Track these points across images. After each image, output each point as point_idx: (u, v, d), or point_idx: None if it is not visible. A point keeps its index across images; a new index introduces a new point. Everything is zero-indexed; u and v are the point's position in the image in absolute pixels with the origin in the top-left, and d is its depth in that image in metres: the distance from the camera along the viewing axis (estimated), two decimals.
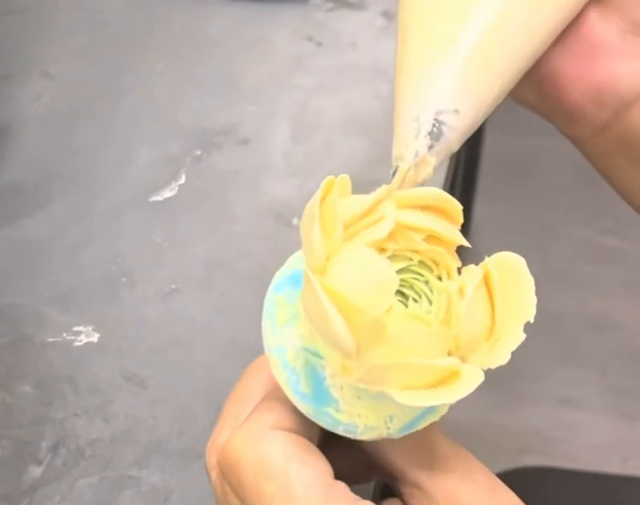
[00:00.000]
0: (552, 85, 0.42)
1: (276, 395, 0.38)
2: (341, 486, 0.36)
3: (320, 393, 0.37)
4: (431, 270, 0.37)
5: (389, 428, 0.37)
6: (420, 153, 0.38)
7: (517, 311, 0.36)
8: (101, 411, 0.54)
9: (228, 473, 0.37)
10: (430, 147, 0.38)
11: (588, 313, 1.70)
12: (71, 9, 0.77)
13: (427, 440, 0.38)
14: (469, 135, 0.40)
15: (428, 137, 0.38)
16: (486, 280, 0.36)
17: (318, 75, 0.73)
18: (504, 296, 0.36)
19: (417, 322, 0.35)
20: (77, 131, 0.69)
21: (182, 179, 0.66)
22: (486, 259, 0.37)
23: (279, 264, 0.60)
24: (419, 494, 0.37)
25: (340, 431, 0.37)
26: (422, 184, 0.39)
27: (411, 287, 0.37)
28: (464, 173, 1.68)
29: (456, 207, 0.37)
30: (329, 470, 0.37)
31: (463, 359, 0.36)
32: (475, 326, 0.36)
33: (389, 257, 0.36)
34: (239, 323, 0.58)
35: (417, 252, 0.37)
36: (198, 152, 0.68)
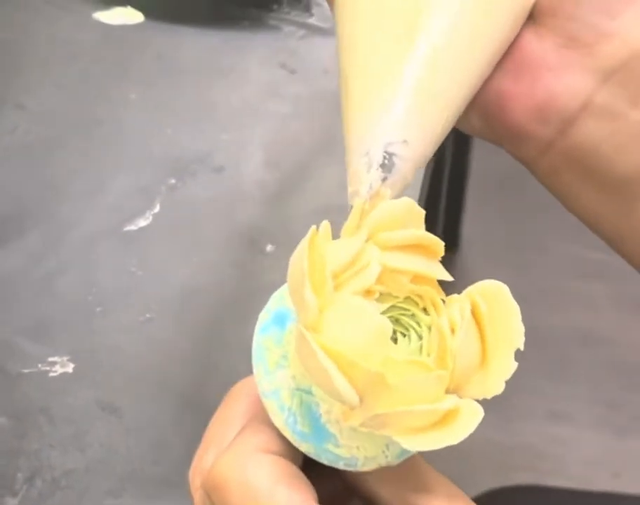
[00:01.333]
0: (495, 108, 0.42)
1: (262, 418, 0.38)
2: None
3: (318, 430, 0.37)
4: (416, 303, 0.37)
5: (387, 457, 0.37)
6: (373, 186, 0.38)
7: (506, 339, 0.36)
8: (76, 441, 0.55)
9: (214, 496, 0.37)
10: (384, 179, 0.39)
11: (577, 328, 1.70)
12: (45, 41, 0.77)
13: (409, 468, 0.38)
14: (421, 166, 0.40)
15: (380, 169, 0.39)
16: (474, 311, 0.36)
17: (291, 102, 0.73)
18: (492, 325, 0.36)
19: (416, 368, 0.35)
20: (51, 162, 0.69)
21: (157, 208, 0.66)
22: (469, 288, 0.37)
23: (254, 291, 0.61)
24: None
25: (341, 465, 0.37)
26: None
27: (398, 322, 0.37)
28: (452, 190, 1.69)
29: (437, 242, 0.37)
30: (314, 496, 0.37)
31: (457, 390, 0.36)
32: (469, 359, 0.36)
33: (376, 299, 0.36)
34: (214, 351, 0.59)
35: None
36: (173, 181, 0.68)
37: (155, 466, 0.54)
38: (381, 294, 0.37)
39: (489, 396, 0.36)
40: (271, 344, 0.38)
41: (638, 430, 1.60)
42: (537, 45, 0.42)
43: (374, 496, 0.39)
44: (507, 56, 0.42)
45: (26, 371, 0.57)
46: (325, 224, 0.36)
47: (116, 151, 0.70)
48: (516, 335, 0.36)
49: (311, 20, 0.78)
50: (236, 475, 0.36)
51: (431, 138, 0.40)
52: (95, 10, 0.78)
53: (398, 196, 0.39)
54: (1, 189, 0.67)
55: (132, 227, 0.65)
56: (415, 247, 0.37)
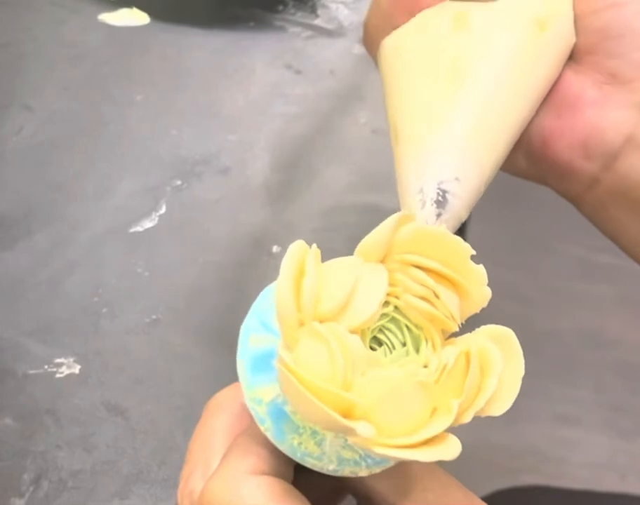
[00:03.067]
0: (539, 147, 0.43)
1: (249, 436, 0.38)
2: None
3: None
4: (405, 316, 0.37)
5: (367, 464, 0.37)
6: (428, 222, 0.39)
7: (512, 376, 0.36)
8: (82, 442, 0.55)
9: None
10: (438, 216, 0.39)
11: (583, 330, 1.70)
12: (51, 43, 0.77)
13: (402, 464, 0.38)
14: (474, 202, 0.41)
15: (434, 205, 0.39)
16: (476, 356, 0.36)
17: (297, 103, 0.73)
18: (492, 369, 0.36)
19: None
20: (57, 163, 0.69)
21: (163, 210, 0.66)
22: (475, 332, 0.37)
23: (260, 292, 0.61)
24: None
25: (325, 471, 0.37)
26: None
27: (382, 332, 0.37)
28: None
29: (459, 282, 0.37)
30: None
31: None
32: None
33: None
34: (220, 352, 0.59)
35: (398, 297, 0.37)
36: (178, 182, 0.68)
37: (161, 467, 0.54)
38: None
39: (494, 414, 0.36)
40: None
41: None
42: (578, 82, 0.43)
43: (368, 491, 0.38)
44: (550, 95, 0.43)
45: (32, 372, 0.57)
46: (315, 251, 0.35)
47: (122, 152, 0.70)
48: (519, 374, 0.36)
49: (317, 21, 0.78)
50: (229, 500, 0.36)
51: (482, 176, 0.41)
52: (101, 12, 0.78)
53: (452, 232, 0.40)
54: (8, 190, 0.67)
55: (138, 228, 0.65)
56: (446, 281, 0.37)
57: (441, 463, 0.37)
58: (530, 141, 0.44)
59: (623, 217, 0.43)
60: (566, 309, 1.71)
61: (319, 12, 0.79)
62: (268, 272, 0.62)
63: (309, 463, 0.37)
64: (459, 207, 0.40)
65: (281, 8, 0.79)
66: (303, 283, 0.34)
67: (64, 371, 0.57)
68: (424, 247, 0.36)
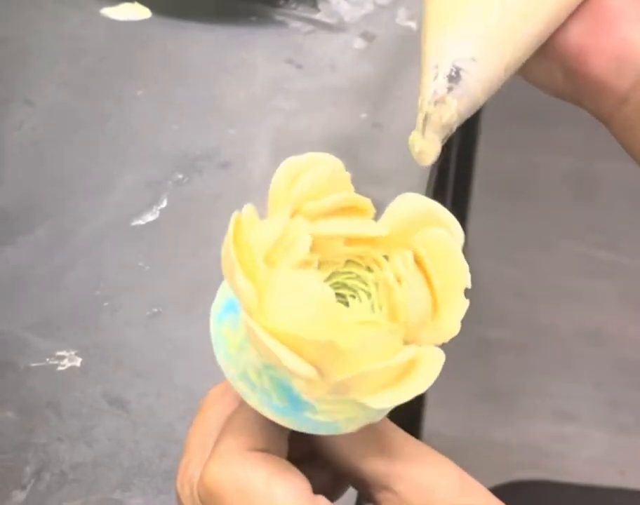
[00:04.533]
0: (574, 61, 0.44)
1: (240, 417, 0.38)
2: (322, 500, 0.37)
3: (294, 401, 0.37)
4: (358, 265, 0.38)
5: (367, 414, 0.37)
6: (438, 92, 0.40)
7: (453, 281, 0.37)
8: (84, 435, 0.55)
9: (209, 501, 0.37)
10: (449, 89, 0.40)
11: (583, 326, 1.70)
12: (52, 37, 0.77)
13: (392, 442, 0.39)
14: (491, 88, 0.42)
15: (446, 79, 0.40)
16: (417, 261, 0.37)
17: (298, 97, 0.74)
18: (438, 270, 0.37)
19: (368, 327, 0.35)
20: (59, 158, 0.69)
21: (164, 204, 0.66)
22: (410, 239, 0.37)
23: None
24: (391, 497, 0.38)
25: (323, 431, 0.38)
26: (448, 130, 0.40)
27: (345, 286, 0.37)
28: (458, 188, 1.69)
29: (365, 201, 0.38)
30: (308, 486, 0.37)
31: (414, 340, 0.36)
32: (420, 307, 0.36)
33: (316, 269, 0.37)
34: None
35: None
36: (180, 176, 0.68)
37: (162, 459, 0.54)
38: (320, 263, 0.37)
39: (446, 340, 0.36)
40: (228, 331, 0.38)
41: None
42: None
43: (363, 477, 0.39)
44: (584, 9, 0.44)
45: (34, 365, 0.57)
46: (249, 207, 0.37)
47: (123, 146, 0.70)
48: (461, 275, 0.37)
49: (318, 16, 0.78)
50: (229, 479, 0.36)
51: (501, 61, 0.42)
52: (103, 6, 0.79)
53: (466, 113, 0.40)
54: (9, 185, 0.67)
55: (139, 222, 0.65)
56: (345, 211, 0.38)
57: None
58: (567, 55, 0.44)
59: None
60: (566, 305, 1.71)
61: (320, 6, 0.79)
62: None
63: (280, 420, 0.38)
64: (474, 86, 0.41)
65: (281, 2, 0.79)
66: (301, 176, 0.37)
67: (66, 364, 0.58)
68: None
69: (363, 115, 0.72)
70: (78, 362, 0.58)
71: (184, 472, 0.39)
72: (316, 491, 0.38)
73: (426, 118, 0.40)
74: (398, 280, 0.36)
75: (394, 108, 0.71)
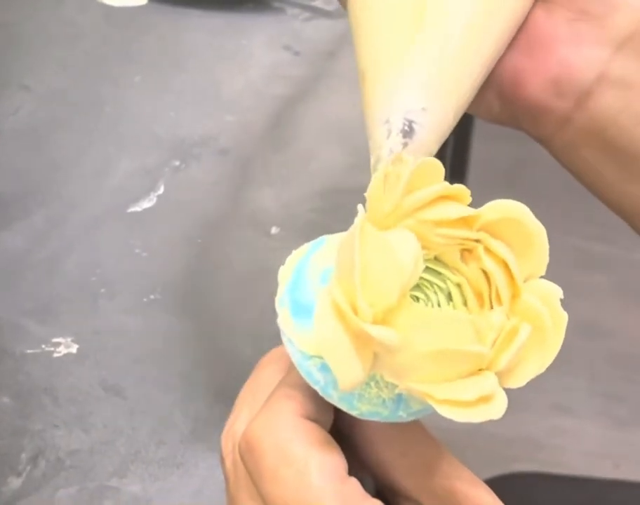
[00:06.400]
0: (511, 86, 0.43)
1: (293, 382, 0.38)
2: (354, 482, 0.37)
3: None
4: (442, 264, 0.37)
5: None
6: (394, 150, 0.39)
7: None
8: (80, 422, 0.55)
9: (247, 456, 0.37)
10: (404, 145, 0.39)
11: (577, 319, 1.70)
12: (49, 22, 0.77)
13: (432, 458, 0.39)
14: (442, 136, 0.40)
15: (400, 135, 0.39)
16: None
17: (296, 84, 0.73)
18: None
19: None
20: (55, 143, 0.69)
21: (161, 190, 0.66)
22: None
23: (259, 273, 0.61)
24: None
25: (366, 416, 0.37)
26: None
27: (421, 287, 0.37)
28: (453, 181, 1.69)
29: (459, 189, 0.38)
30: (344, 465, 0.37)
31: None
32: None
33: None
34: (218, 333, 0.59)
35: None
36: (177, 163, 0.68)
37: (160, 446, 0.54)
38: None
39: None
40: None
41: (638, 422, 1.60)
42: (549, 20, 0.42)
43: (395, 485, 0.39)
44: (520, 33, 0.43)
45: (30, 351, 0.57)
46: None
47: (120, 132, 0.70)
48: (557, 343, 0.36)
49: (315, 3, 0.78)
50: (271, 439, 0.36)
51: (450, 108, 0.40)
52: None
53: None
54: (6, 170, 0.67)
55: (136, 208, 0.65)
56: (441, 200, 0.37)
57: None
58: (502, 81, 0.43)
59: (595, 158, 0.43)
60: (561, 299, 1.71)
61: None
62: (267, 253, 0.62)
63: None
64: (427, 138, 0.39)
65: None
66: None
67: (62, 350, 0.57)
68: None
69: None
70: (74, 348, 0.57)
71: (229, 427, 0.40)
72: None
73: (385, 180, 0.39)
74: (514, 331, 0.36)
75: None
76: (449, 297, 0.37)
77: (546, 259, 0.37)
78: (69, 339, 0.58)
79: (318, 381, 0.37)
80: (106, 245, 0.63)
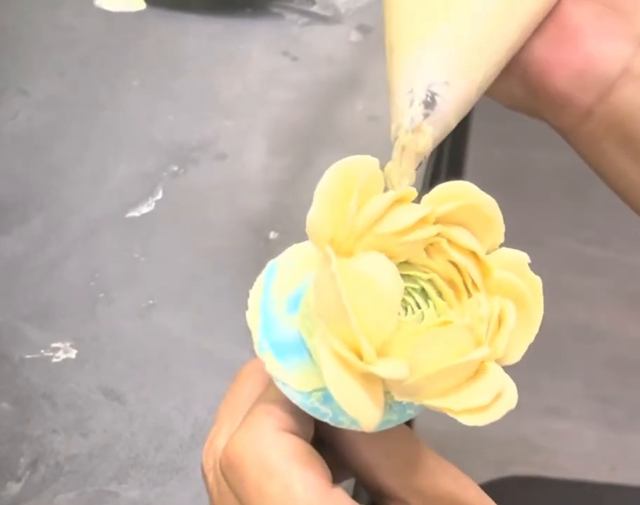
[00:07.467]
0: (536, 76, 0.43)
1: (272, 397, 0.38)
2: (340, 491, 0.37)
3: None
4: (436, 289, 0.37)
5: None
6: (415, 120, 0.39)
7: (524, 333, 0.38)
8: (79, 427, 0.54)
9: (229, 472, 0.37)
10: (425, 116, 0.39)
11: (574, 323, 1.71)
12: (47, 27, 0.77)
13: (415, 456, 0.38)
14: (463, 112, 0.41)
15: (422, 105, 0.40)
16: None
17: (294, 89, 0.73)
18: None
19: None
20: (53, 148, 0.69)
21: (159, 195, 0.66)
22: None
23: (257, 278, 0.60)
24: None
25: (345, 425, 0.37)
26: (422, 157, 0.40)
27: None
28: None
29: (407, 190, 0.37)
30: (329, 475, 0.37)
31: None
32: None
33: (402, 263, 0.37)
34: (217, 337, 0.59)
35: (432, 270, 0.37)
36: (175, 168, 0.68)
37: (159, 451, 0.54)
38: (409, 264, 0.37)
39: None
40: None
41: (634, 425, 1.60)
42: (577, 13, 0.43)
43: (382, 487, 0.39)
44: (547, 24, 0.43)
45: (29, 357, 0.57)
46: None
47: (119, 137, 0.70)
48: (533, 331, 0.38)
49: (314, 8, 0.78)
50: (252, 454, 0.36)
51: (472, 84, 0.41)
52: None
53: (440, 138, 0.40)
54: (4, 175, 0.67)
55: (135, 213, 0.65)
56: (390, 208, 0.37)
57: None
58: (527, 69, 0.44)
59: (615, 151, 0.44)
60: (556, 302, 1.71)
61: None
62: (265, 258, 0.62)
63: None
64: (447, 112, 0.40)
65: None
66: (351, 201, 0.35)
67: (61, 355, 0.57)
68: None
69: (359, 107, 0.72)
70: (73, 353, 0.57)
71: (210, 443, 0.40)
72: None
73: (403, 148, 0.39)
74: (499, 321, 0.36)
75: None
76: (425, 295, 0.37)
77: (502, 227, 0.38)
78: (67, 344, 0.58)
79: (326, 414, 0.37)
80: (105, 250, 0.63)
